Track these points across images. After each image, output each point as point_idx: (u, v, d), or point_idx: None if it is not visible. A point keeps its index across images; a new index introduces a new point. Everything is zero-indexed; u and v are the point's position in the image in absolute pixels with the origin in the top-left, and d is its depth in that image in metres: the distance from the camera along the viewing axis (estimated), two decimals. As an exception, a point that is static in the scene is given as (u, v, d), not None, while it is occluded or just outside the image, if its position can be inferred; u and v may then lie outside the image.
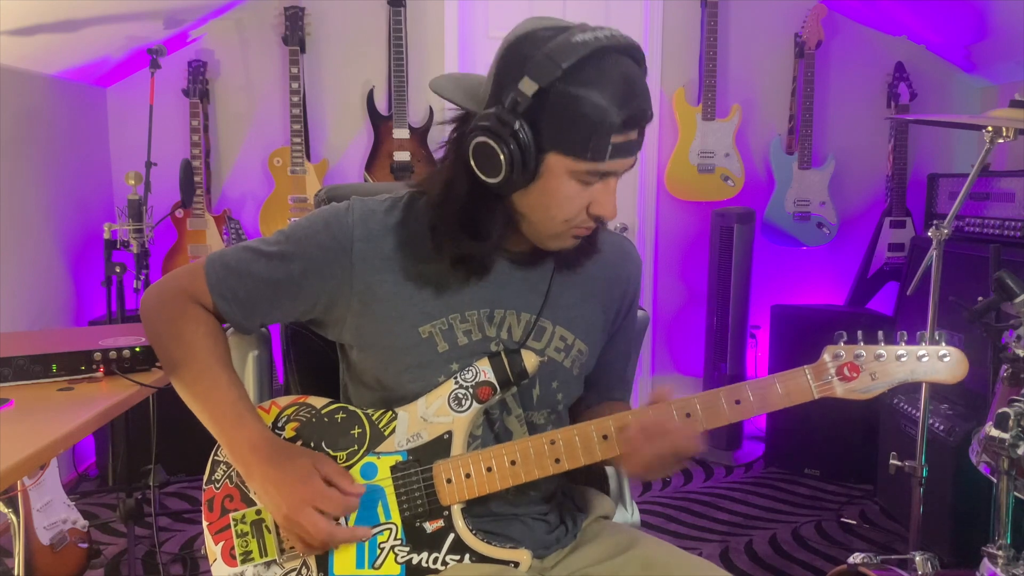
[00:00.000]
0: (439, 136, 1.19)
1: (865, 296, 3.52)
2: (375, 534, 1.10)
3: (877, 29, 3.62)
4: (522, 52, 0.99)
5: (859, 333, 1.06)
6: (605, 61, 0.97)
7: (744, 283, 3.30)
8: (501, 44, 1.04)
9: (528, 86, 0.97)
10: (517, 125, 0.98)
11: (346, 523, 1.09)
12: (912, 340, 1.06)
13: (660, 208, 3.72)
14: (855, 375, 1.05)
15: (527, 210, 1.06)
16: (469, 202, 1.07)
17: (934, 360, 1.05)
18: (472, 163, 1.03)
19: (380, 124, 3.46)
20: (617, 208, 1.06)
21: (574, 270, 1.16)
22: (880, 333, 1.06)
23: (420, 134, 3.43)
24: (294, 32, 3.36)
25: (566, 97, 0.97)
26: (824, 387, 1.06)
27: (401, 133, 3.43)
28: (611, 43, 0.98)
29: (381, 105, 3.49)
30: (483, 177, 1.02)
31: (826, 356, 1.06)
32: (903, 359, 1.05)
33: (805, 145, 3.48)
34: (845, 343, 1.06)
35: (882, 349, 1.05)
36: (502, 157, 0.99)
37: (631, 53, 1.00)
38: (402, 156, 3.43)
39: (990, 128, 1.82)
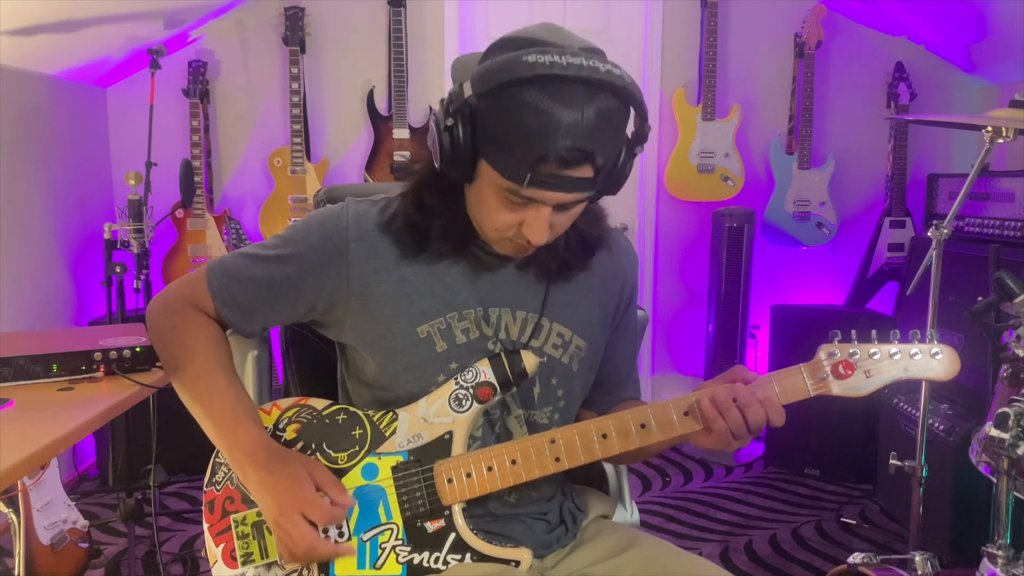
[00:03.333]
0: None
1: (865, 296, 3.53)
2: (375, 535, 1.10)
3: (877, 29, 3.62)
4: (487, 54, 1.01)
5: (853, 332, 1.07)
6: (551, 88, 0.94)
7: (744, 283, 3.30)
8: None
9: (466, 89, 0.99)
10: (451, 122, 1.00)
11: (348, 527, 1.10)
12: (905, 339, 1.06)
13: (660, 208, 3.72)
14: (850, 373, 1.05)
15: (470, 207, 1.09)
16: (427, 180, 1.11)
17: (927, 358, 1.06)
18: (429, 144, 1.07)
19: (380, 124, 3.46)
20: (549, 235, 1.03)
21: (566, 279, 1.17)
22: (874, 332, 1.07)
23: (420, 134, 3.43)
24: (294, 32, 3.36)
25: (498, 111, 0.97)
26: (820, 385, 1.06)
27: (401, 133, 3.43)
28: (572, 72, 0.93)
29: (381, 105, 3.49)
30: (435, 161, 1.06)
31: (821, 354, 1.07)
32: (896, 357, 1.06)
33: (805, 145, 3.48)
34: (840, 341, 1.06)
35: (876, 347, 1.06)
36: (438, 148, 1.03)
37: (602, 87, 0.95)
38: (402, 156, 3.44)
39: (990, 128, 1.82)
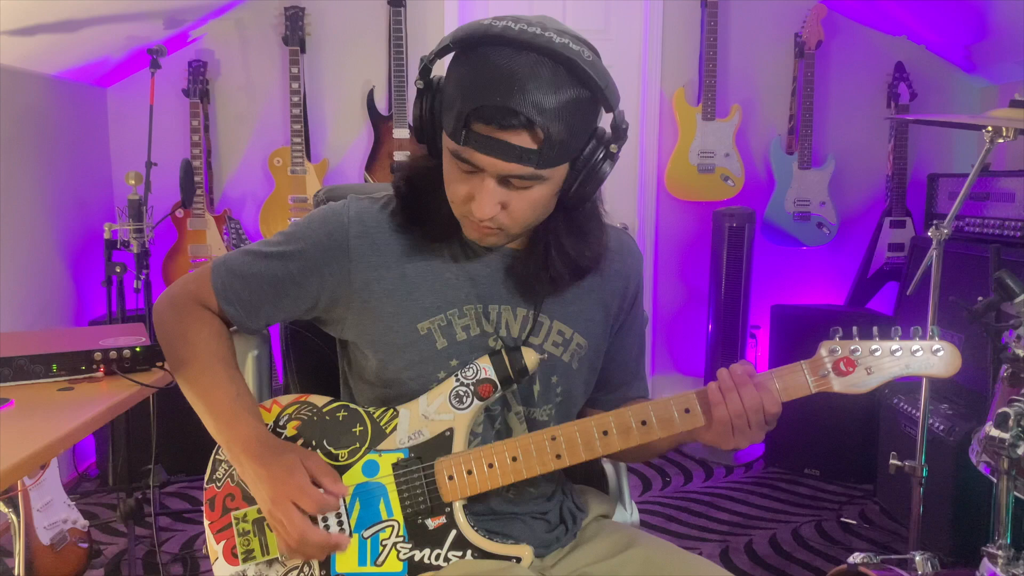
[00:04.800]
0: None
1: (865, 296, 3.53)
2: (376, 532, 1.10)
3: (877, 29, 3.63)
4: None
5: (854, 329, 1.07)
6: (499, 50, 0.95)
7: (744, 283, 3.30)
8: None
9: (432, 52, 1.02)
10: (420, 84, 1.03)
11: (348, 524, 1.09)
12: (906, 336, 1.06)
13: (660, 208, 3.72)
14: (851, 370, 1.05)
15: None
16: (419, 165, 1.12)
17: (928, 354, 1.06)
18: None
19: (380, 124, 3.46)
20: (498, 213, 1.02)
21: (562, 290, 1.15)
22: (875, 329, 1.06)
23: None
24: (294, 32, 3.36)
25: (451, 70, 1.01)
26: (820, 382, 1.06)
27: (401, 133, 3.43)
28: (525, 38, 0.93)
29: (381, 105, 3.49)
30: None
31: (822, 351, 1.06)
32: (897, 354, 1.06)
33: (805, 145, 3.48)
34: (841, 338, 1.06)
35: (877, 344, 1.06)
36: (413, 114, 1.06)
37: (560, 62, 0.94)
38: (402, 156, 3.44)
39: (990, 128, 1.82)
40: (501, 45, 0.95)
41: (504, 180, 1.00)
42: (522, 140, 0.96)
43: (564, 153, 1.00)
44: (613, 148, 1.03)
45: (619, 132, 1.03)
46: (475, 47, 0.97)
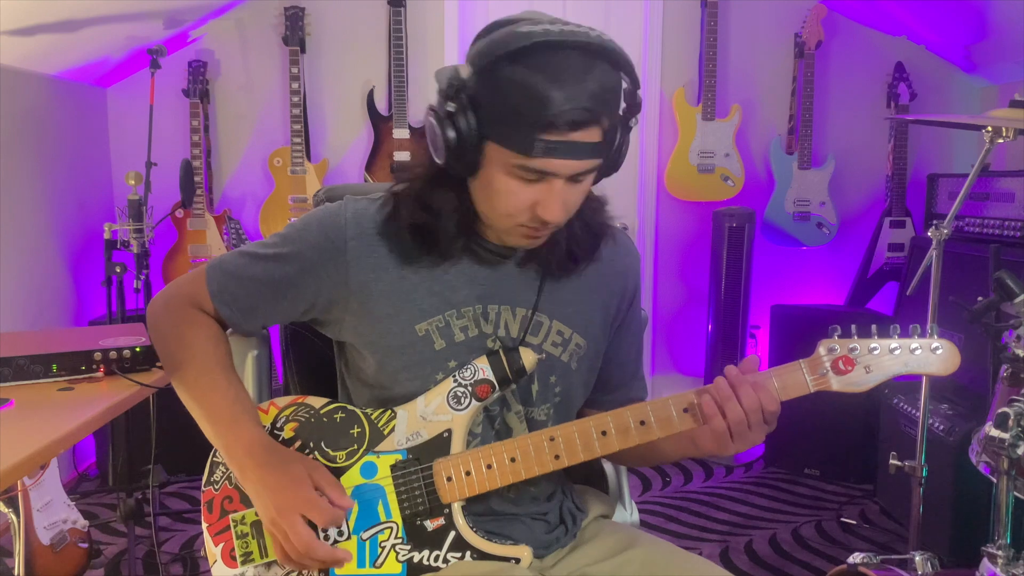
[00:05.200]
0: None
1: (865, 296, 3.52)
2: (375, 534, 1.10)
3: (877, 29, 3.62)
4: (476, 39, 1.02)
5: (852, 327, 1.07)
6: (549, 54, 0.95)
7: (744, 283, 3.30)
8: None
9: (464, 70, 1.00)
10: (452, 108, 1.00)
11: (347, 526, 1.10)
12: (905, 334, 1.06)
13: (660, 208, 3.72)
14: (850, 368, 1.05)
15: (477, 200, 1.08)
16: (428, 180, 1.10)
17: (927, 353, 1.06)
18: (427, 142, 1.06)
19: (380, 124, 3.46)
20: (564, 212, 1.03)
21: (568, 274, 1.16)
22: (874, 327, 1.06)
23: (420, 134, 3.43)
24: (294, 32, 3.36)
25: (500, 84, 0.98)
26: (819, 380, 1.06)
27: (401, 133, 3.43)
28: (568, 38, 0.95)
29: (381, 105, 3.49)
30: (435, 159, 1.05)
31: (821, 350, 1.06)
32: (896, 352, 1.06)
33: (805, 145, 3.48)
34: (839, 337, 1.06)
35: (876, 342, 1.06)
36: (441, 139, 1.02)
37: (597, 53, 0.97)
38: (402, 156, 3.44)
39: (990, 128, 1.82)
40: (550, 50, 0.95)
41: (572, 177, 1.01)
42: (591, 135, 0.98)
43: (615, 136, 1.03)
44: (633, 123, 1.07)
45: (636, 107, 1.06)
46: (522, 56, 0.96)
